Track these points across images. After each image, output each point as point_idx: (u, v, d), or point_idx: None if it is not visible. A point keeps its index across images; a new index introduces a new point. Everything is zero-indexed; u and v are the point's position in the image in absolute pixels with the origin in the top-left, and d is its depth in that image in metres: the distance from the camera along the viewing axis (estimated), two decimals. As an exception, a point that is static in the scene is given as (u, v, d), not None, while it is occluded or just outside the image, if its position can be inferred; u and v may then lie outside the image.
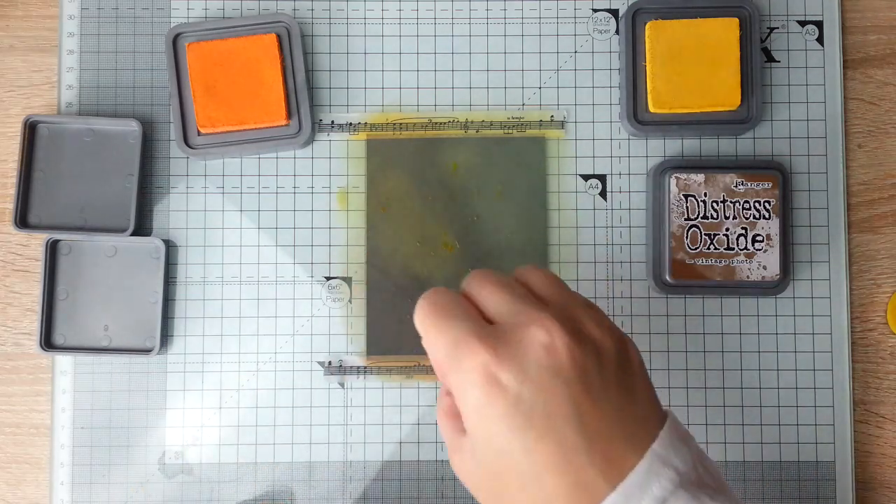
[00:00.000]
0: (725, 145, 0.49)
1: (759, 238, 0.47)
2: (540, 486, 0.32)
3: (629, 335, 0.36)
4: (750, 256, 0.47)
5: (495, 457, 0.33)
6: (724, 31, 0.47)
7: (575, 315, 0.34)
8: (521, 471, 0.32)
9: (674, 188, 0.47)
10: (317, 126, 0.50)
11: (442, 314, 0.35)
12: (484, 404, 0.32)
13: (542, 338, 0.33)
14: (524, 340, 0.33)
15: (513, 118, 0.49)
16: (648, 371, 0.48)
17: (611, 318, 0.48)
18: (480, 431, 0.33)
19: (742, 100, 0.48)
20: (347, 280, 0.49)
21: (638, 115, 0.48)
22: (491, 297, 0.35)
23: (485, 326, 0.34)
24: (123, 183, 0.48)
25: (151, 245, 0.48)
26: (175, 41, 0.48)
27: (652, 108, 0.48)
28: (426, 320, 0.35)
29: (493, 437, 0.32)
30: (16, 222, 0.47)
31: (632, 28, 0.48)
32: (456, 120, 0.49)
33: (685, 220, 0.47)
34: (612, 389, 0.33)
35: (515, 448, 0.32)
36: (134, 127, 0.48)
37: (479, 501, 0.35)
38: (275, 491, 0.48)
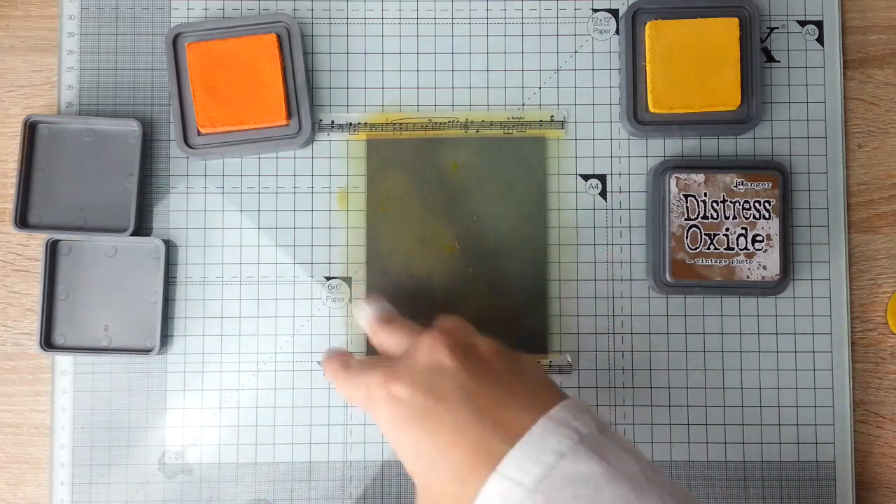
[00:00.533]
0: (725, 145, 0.49)
1: (759, 238, 0.47)
2: (448, 462, 0.34)
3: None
4: (750, 256, 0.47)
5: (413, 459, 0.36)
6: (724, 31, 0.47)
7: (459, 333, 0.39)
8: (430, 458, 0.35)
9: (674, 188, 0.47)
10: (317, 126, 0.49)
11: (344, 373, 0.41)
12: (389, 418, 0.37)
13: (426, 342, 0.38)
14: (413, 354, 0.38)
15: (513, 118, 0.49)
16: (649, 371, 0.48)
17: (608, 317, 0.49)
18: (396, 444, 0.37)
19: (742, 100, 0.48)
20: (347, 280, 0.49)
21: (638, 115, 0.48)
22: (388, 340, 0.42)
23: (387, 362, 0.40)
24: (123, 183, 0.48)
25: (151, 245, 0.48)
26: (175, 41, 0.48)
27: (652, 108, 0.48)
28: (340, 387, 0.42)
29: (405, 442, 0.36)
30: (16, 222, 0.47)
31: (632, 28, 0.48)
32: (456, 120, 0.49)
33: (685, 220, 0.47)
34: (499, 372, 0.37)
35: (422, 440, 0.35)
36: (134, 127, 0.48)
37: None
38: (275, 491, 0.48)
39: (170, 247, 0.49)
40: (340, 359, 0.42)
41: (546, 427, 0.33)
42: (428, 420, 0.35)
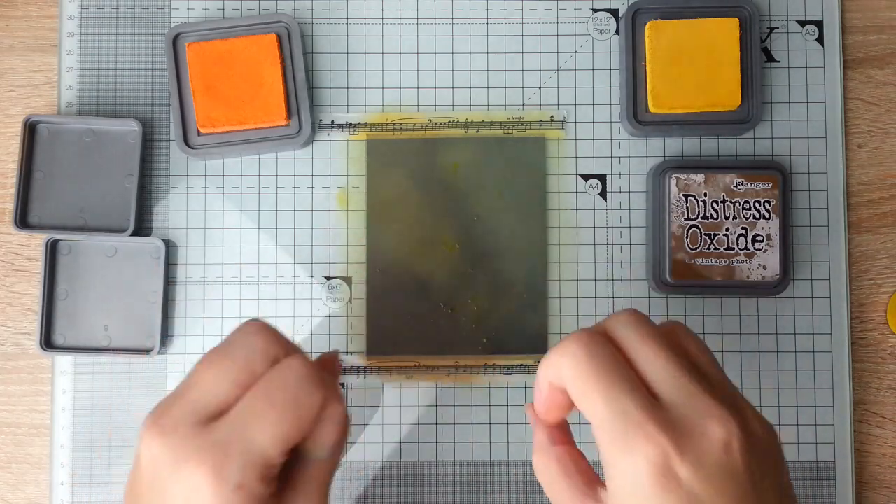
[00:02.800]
0: (725, 145, 0.49)
1: (759, 238, 0.47)
2: None
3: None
4: (750, 256, 0.47)
5: None
6: (724, 31, 0.47)
7: (739, 405, 0.34)
8: None
9: (674, 188, 0.47)
10: (317, 126, 0.50)
11: (604, 376, 0.33)
12: (654, 495, 0.31)
13: (722, 435, 0.32)
14: (706, 434, 0.32)
15: (513, 118, 0.49)
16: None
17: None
18: None
19: (742, 100, 0.48)
20: (347, 280, 0.49)
21: (638, 115, 0.48)
22: (656, 367, 0.33)
23: (657, 407, 0.32)
24: (123, 183, 0.48)
25: (151, 245, 0.48)
26: (175, 41, 0.48)
27: (652, 108, 0.48)
28: (585, 377, 0.33)
29: None
30: (16, 222, 0.47)
31: (632, 28, 0.48)
32: (456, 120, 0.49)
33: (685, 220, 0.47)
34: (770, 489, 0.33)
35: None
36: (134, 127, 0.48)
37: None
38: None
39: (170, 247, 0.49)
40: (601, 351, 0.34)
41: None
42: None
